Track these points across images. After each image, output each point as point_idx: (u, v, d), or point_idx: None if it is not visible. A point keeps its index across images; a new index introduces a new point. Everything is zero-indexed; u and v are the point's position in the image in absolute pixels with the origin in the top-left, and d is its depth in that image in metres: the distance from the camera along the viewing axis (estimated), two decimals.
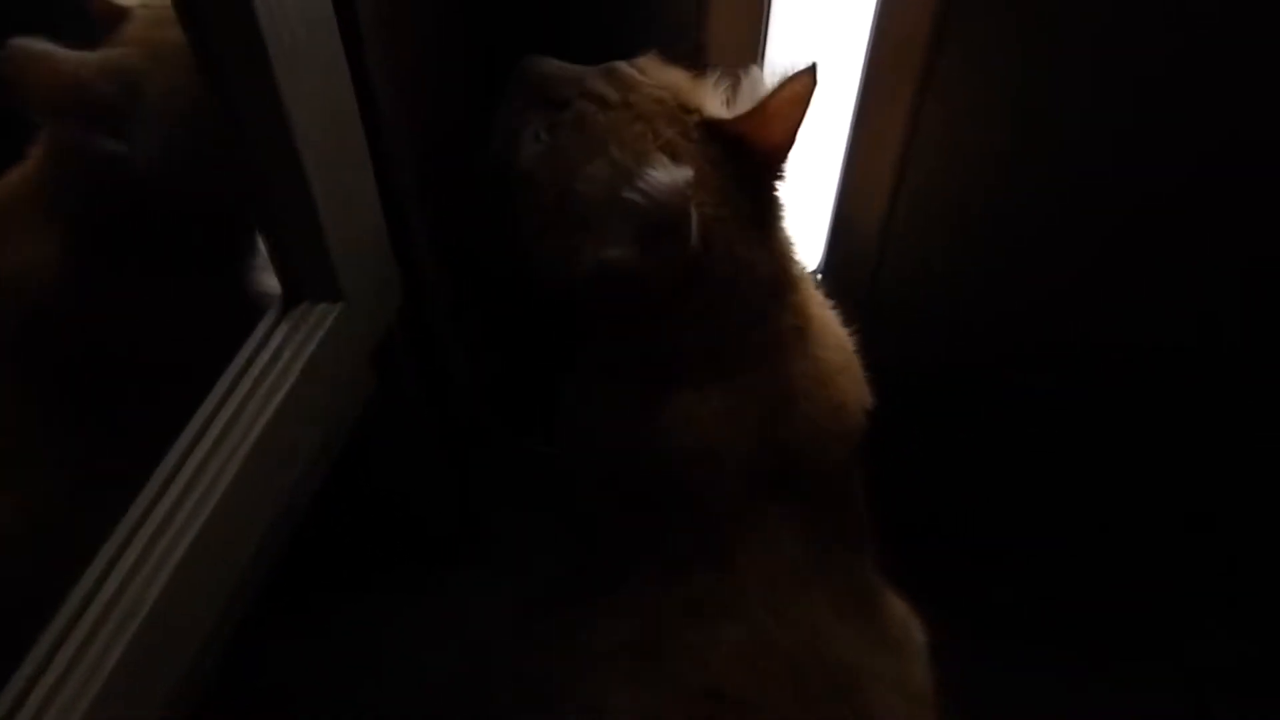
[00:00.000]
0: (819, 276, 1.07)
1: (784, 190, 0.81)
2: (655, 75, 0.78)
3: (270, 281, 0.80)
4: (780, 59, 0.92)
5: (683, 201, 0.67)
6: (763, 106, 0.74)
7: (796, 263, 0.83)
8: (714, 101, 0.77)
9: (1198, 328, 1.00)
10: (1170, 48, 0.83)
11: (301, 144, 0.69)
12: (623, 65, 0.78)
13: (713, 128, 0.75)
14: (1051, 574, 1.23)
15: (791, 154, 0.79)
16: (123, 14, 0.82)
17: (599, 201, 0.72)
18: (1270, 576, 1.18)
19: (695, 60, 0.82)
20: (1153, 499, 1.18)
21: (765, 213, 0.79)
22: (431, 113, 0.92)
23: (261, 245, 0.81)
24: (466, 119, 0.99)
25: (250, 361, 0.72)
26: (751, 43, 0.91)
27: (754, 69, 0.76)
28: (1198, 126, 0.88)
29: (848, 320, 0.88)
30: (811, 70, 0.72)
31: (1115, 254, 0.97)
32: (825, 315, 0.84)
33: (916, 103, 0.90)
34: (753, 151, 0.76)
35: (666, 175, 0.67)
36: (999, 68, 0.87)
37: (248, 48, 0.64)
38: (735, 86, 0.77)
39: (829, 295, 1.04)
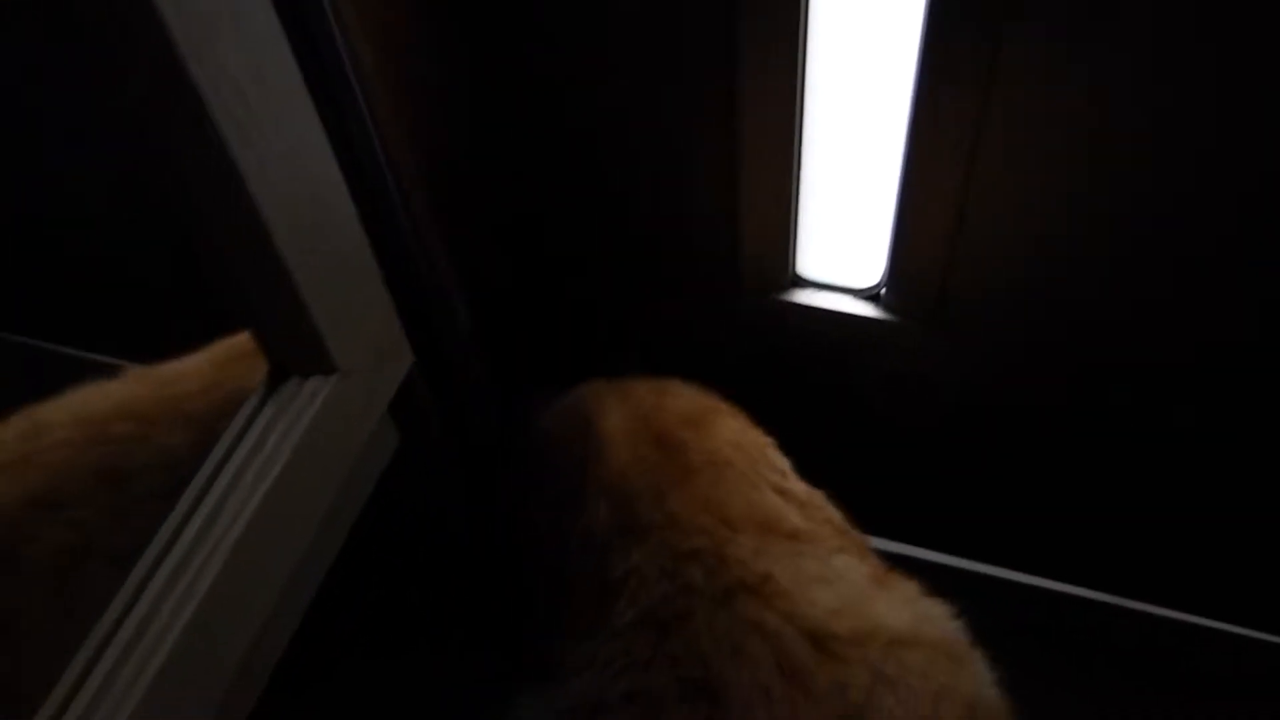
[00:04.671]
0: (881, 291, 0.98)
1: None
2: None
3: None
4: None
5: None
6: None
7: None
8: None
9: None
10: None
11: (268, 215, 0.64)
12: None
13: None
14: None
15: None
16: None
17: None
18: None
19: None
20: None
21: None
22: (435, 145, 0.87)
23: None
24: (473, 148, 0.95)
25: (233, 448, 0.68)
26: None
27: None
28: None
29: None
30: None
31: (1198, 267, 0.85)
32: None
33: (980, 106, 0.80)
34: None
35: None
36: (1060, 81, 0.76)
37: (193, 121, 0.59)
38: None
39: (890, 310, 0.96)
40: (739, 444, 0.86)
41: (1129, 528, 1.08)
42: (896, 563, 0.83)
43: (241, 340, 0.81)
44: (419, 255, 0.84)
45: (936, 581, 0.82)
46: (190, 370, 0.83)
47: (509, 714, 0.79)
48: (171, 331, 0.91)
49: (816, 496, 0.86)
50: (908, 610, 0.76)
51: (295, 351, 0.71)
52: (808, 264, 0.99)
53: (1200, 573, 1.10)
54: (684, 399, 0.90)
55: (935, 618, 0.77)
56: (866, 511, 0.87)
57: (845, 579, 0.76)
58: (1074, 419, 1.00)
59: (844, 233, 0.97)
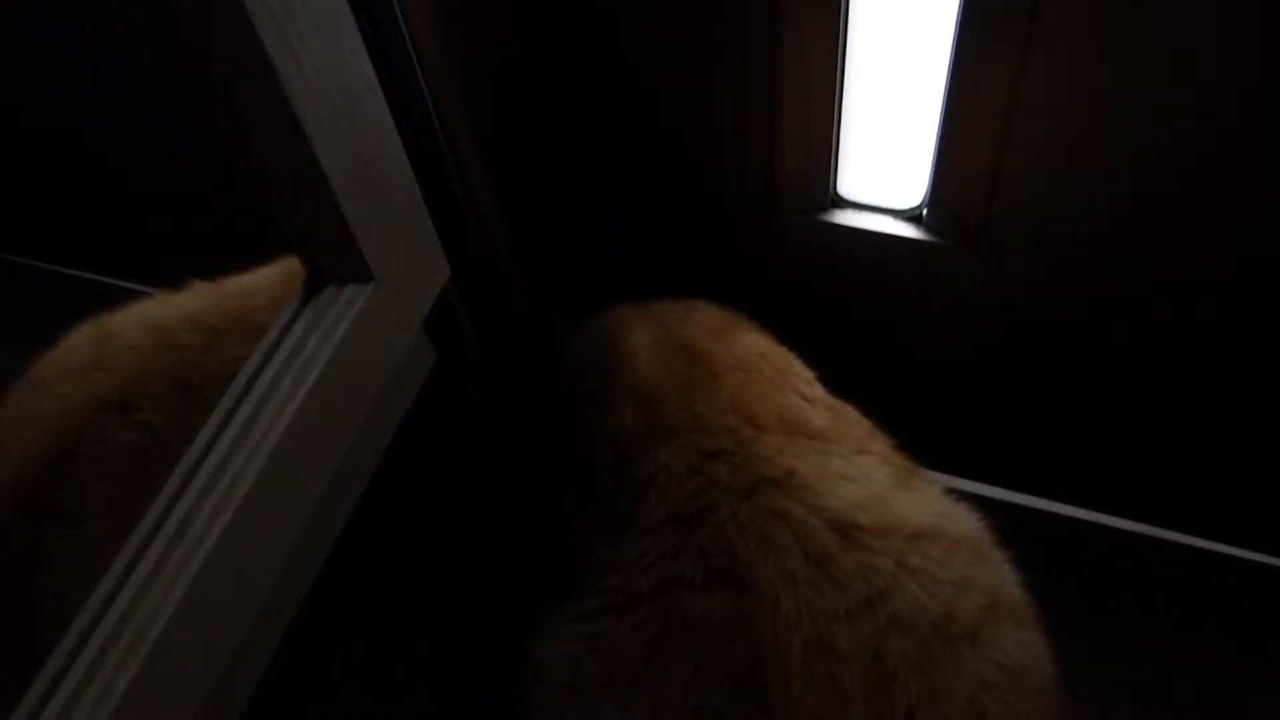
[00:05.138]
0: (923, 212, 0.96)
1: None
2: None
3: None
4: None
5: None
6: None
7: None
8: None
9: None
10: None
11: (306, 118, 0.63)
12: None
13: None
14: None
15: None
16: None
17: None
18: None
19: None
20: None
21: None
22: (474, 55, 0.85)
23: None
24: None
25: (271, 353, 0.68)
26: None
27: None
28: None
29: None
30: None
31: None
32: None
33: (1026, 24, 0.77)
34: None
35: None
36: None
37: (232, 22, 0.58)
38: None
39: (932, 232, 0.94)
40: (763, 354, 0.86)
41: (1172, 456, 1.07)
42: None
43: None
44: (455, 170, 0.84)
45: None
46: (257, 284, 0.84)
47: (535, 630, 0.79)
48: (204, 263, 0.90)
49: (842, 404, 0.86)
50: (930, 508, 0.76)
51: (332, 258, 0.71)
52: (848, 184, 0.98)
53: (1246, 504, 1.09)
54: (710, 314, 0.91)
55: (958, 516, 0.77)
56: (902, 436, 0.86)
57: (869, 477, 0.76)
58: (1116, 343, 0.98)
59: (886, 152, 0.95)
